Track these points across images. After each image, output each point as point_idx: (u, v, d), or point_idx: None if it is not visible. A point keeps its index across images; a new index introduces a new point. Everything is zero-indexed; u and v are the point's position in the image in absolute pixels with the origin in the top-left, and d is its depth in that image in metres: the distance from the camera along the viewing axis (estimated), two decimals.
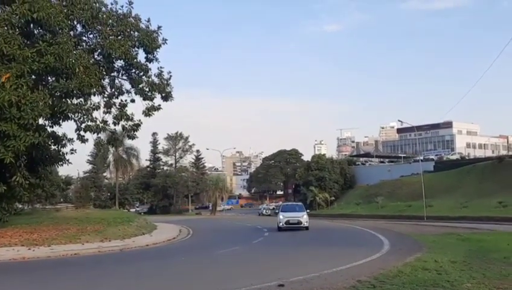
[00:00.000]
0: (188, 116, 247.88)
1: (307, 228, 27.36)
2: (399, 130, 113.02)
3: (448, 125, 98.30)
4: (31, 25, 20.24)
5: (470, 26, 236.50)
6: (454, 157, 67.75)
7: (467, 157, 66.62)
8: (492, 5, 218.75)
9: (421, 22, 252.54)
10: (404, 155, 77.35)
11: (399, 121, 65.33)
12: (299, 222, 27.44)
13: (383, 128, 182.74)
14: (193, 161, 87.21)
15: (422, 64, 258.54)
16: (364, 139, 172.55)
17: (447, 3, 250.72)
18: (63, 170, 69.55)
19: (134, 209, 71.50)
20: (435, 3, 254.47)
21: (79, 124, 21.80)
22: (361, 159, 79.64)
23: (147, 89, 23.34)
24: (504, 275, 10.41)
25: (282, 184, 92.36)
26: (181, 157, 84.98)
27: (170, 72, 23.90)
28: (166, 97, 23.81)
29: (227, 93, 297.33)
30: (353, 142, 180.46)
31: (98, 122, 22.17)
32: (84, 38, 22.59)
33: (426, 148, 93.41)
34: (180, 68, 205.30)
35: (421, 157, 60.08)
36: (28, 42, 19.71)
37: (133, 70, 23.27)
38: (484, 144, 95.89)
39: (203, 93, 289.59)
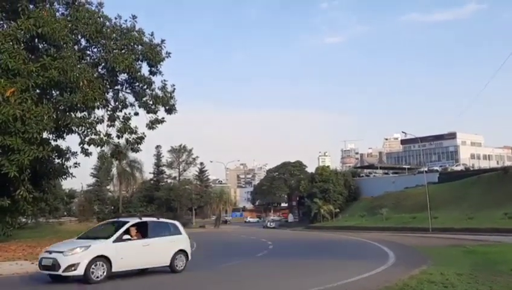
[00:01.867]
0: (192, 129, 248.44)
1: (86, 280, 12.22)
2: (403, 142, 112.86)
3: (452, 136, 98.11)
4: (36, 40, 20.42)
5: (471, 37, 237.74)
6: (458, 168, 67.35)
7: (471, 169, 66.07)
8: (492, 16, 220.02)
9: (422, 34, 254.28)
10: (409, 167, 76.93)
11: (403, 132, 65.12)
12: (55, 265, 12.22)
13: (386, 139, 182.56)
14: (197, 173, 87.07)
15: (425, 75, 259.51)
16: (368, 150, 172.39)
17: (447, 15, 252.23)
18: (66, 184, 69.74)
19: None
20: (435, 16, 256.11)
21: (83, 138, 21.83)
22: (365, 170, 79.26)
23: (151, 102, 23.43)
24: (511, 287, 10.28)
25: (286, 196, 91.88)
26: (185, 170, 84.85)
27: (174, 85, 24.03)
28: (170, 110, 23.87)
29: (230, 106, 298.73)
30: (357, 153, 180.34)
31: (101, 136, 22.20)
32: (88, 52, 22.77)
33: (430, 159, 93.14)
34: (183, 81, 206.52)
35: (426, 169, 59.80)
36: (33, 57, 19.88)
37: (137, 84, 23.38)
38: (489, 155, 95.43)
39: (206, 106, 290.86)
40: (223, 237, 43.63)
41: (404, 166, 79.67)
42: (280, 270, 15.82)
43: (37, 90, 19.53)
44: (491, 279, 11.54)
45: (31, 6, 20.10)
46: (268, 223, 69.82)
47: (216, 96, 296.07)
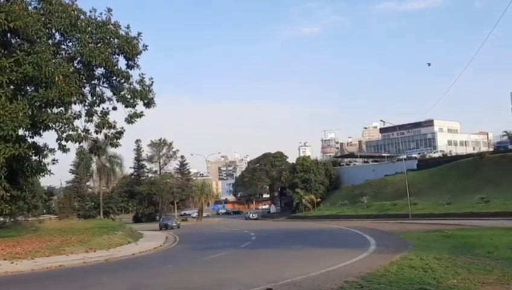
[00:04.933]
0: (171, 122, 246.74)
1: None
2: (382, 130, 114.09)
3: (429, 123, 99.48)
4: (8, 35, 19.92)
5: (446, 25, 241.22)
6: (436, 155, 68.43)
7: (448, 155, 67.25)
8: (465, 4, 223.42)
9: (398, 22, 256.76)
10: (388, 154, 77.88)
11: (381, 121, 65.78)
12: None
13: (366, 128, 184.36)
14: (178, 167, 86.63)
15: (402, 63, 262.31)
16: (348, 139, 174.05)
17: (421, 3, 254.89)
18: (45, 181, 68.55)
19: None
20: (410, 4, 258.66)
21: (60, 134, 21.48)
22: (345, 159, 79.97)
23: (129, 96, 23.14)
24: (488, 270, 10.56)
25: (268, 187, 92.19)
26: (165, 164, 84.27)
27: (152, 79, 23.77)
28: (149, 104, 23.61)
29: (208, 99, 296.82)
30: (337, 143, 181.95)
31: (79, 131, 21.92)
32: (63, 46, 22.32)
33: (409, 147, 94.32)
34: (158, 74, 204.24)
35: (404, 156, 60.62)
36: (6, 52, 19.41)
37: (114, 78, 23.06)
38: (465, 141, 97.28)
39: (183, 99, 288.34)
40: (206, 229, 43.61)
41: (383, 154, 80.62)
42: (263, 261, 15.92)
43: (11, 86, 19.12)
44: (469, 262, 11.83)
45: (2, 0, 19.56)
46: (251, 215, 70.04)
47: (192, 90, 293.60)
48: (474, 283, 9.18)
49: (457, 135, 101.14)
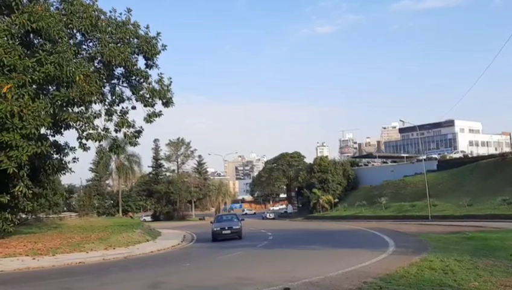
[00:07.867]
0: (187, 122, 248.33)
1: None
2: (401, 130, 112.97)
3: (450, 123, 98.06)
4: (31, 35, 20.31)
5: (465, 23, 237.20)
6: (457, 155, 67.41)
7: (469, 156, 66.14)
8: (484, 1, 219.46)
9: (416, 20, 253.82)
10: (407, 155, 77.06)
11: (400, 120, 64.90)
12: None
13: (384, 128, 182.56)
14: (195, 166, 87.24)
15: (422, 63, 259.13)
16: (366, 140, 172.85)
17: (438, 2, 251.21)
18: (65, 179, 69.76)
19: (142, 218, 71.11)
20: (427, 3, 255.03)
21: (81, 133, 21.84)
22: (363, 160, 79.43)
23: (148, 96, 23.43)
24: (511, 273, 10.34)
25: (285, 187, 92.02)
26: (183, 163, 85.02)
27: (170, 78, 24.01)
28: (167, 103, 23.85)
29: (223, 99, 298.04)
30: (355, 143, 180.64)
31: (99, 130, 22.24)
32: (83, 46, 22.68)
33: (429, 147, 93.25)
34: (173, 74, 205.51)
35: (424, 157, 59.83)
36: (28, 52, 19.76)
37: (133, 77, 23.35)
38: (487, 142, 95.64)
39: (198, 99, 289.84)
40: None
41: (402, 154, 79.81)
42: (280, 260, 15.87)
43: (34, 86, 19.46)
44: (490, 265, 11.59)
45: (25, 0, 19.96)
46: (268, 214, 69.97)
47: (207, 90, 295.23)
48: (497, 285, 8.99)
49: (478, 135, 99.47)
